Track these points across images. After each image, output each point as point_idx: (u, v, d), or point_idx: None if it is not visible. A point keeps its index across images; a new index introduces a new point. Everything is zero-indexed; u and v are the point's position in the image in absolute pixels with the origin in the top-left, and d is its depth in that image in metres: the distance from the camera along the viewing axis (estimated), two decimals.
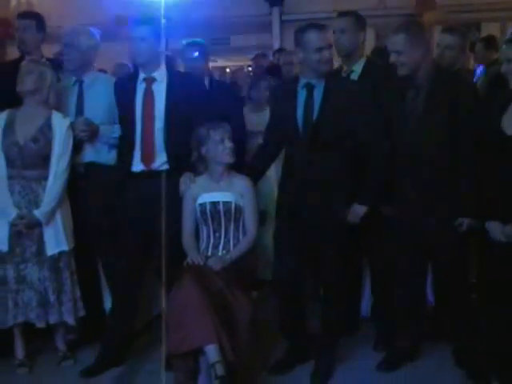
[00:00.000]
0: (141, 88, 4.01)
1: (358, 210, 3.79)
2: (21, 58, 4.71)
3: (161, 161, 3.97)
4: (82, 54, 4.27)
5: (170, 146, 3.96)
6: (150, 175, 3.97)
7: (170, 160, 3.96)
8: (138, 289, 4.13)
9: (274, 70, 6.27)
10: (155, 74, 4.00)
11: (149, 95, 4.00)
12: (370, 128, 3.73)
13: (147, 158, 3.97)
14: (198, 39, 4.92)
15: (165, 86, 4.00)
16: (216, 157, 3.86)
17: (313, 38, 3.70)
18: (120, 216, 4.05)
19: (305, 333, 4.09)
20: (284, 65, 6.26)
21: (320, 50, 3.69)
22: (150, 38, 3.92)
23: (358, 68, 4.18)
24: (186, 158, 3.94)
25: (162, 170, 3.96)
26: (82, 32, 4.30)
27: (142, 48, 3.93)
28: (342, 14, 4.24)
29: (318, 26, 3.76)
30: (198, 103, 4.02)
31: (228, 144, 3.85)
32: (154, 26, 3.95)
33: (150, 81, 4.01)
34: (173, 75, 4.08)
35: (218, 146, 3.84)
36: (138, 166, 3.99)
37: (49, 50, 4.90)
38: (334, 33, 4.07)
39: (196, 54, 4.71)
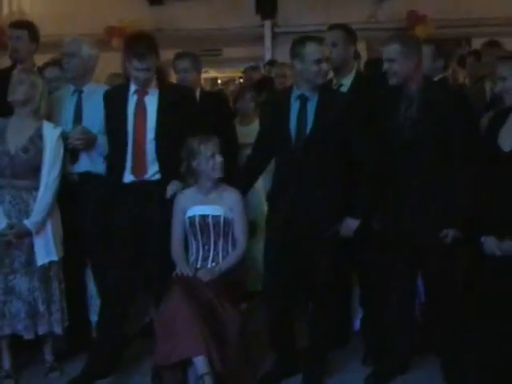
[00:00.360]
0: (132, 100, 4.00)
1: (351, 224, 3.78)
2: (12, 67, 4.71)
3: (152, 172, 3.96)
4: (83, 64, 4.28)
5: (161, 157, 3.95)
6: (141, 186, 3.96)
7: (161, 171, 3.96)
8: (128, 300, 4.10)
9: (265, 83, 6.27)
10: (147, 88, 3.99)
11: (141, 107, 3.99)
12: (362, 143, 3.74)
13: (138, 169, 3.96)
14: (189, 51, 4.93)
15: (156, 97, 4.00)
16: (206, 171, 3.87)
17: (312, 50, 3.72)
18: (111, 227, 4.03)
19: (293, 346, 4.08)
20: (277, 77, 6.26)
21: (318, 62, 3.72)
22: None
23: (347, 82, 4.19)
24: (177, 168, 3.93)
25: (152, 181, 3.96)
26: (84, 42, 4.32)
27: None
28: (333, 28, 4.24)
29: (317, 38, 3.80)
30: (188, 115, 4.02)
31: (218, 159, 3.85)
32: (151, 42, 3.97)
33: (141, 93, 4.00)
34: (164, 87, 4.07)
35: (209, 161, 3.84)
36: (128, 177, 3.98)
37: (42, 59, 4.87)
38: None
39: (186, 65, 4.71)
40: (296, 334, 4.07)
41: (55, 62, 4.79)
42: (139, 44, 3.92)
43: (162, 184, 3.95)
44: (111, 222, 4.04)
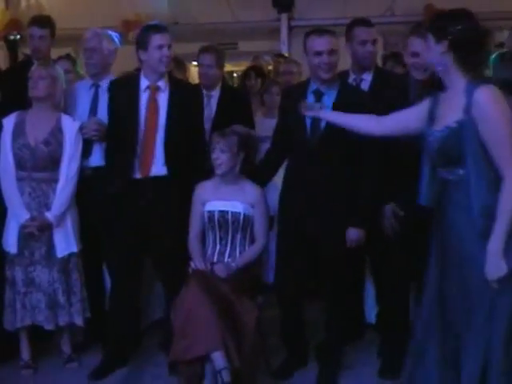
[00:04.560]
0: (144, 96, 3.96)
1: (354, 235, 3.76)
2: (27, 61, 4.74)
3: (159, 169, 3.94)
4: (103, 58, 4.31)
5: (169, 154, 3.93)
6: (149, 182, 3.94)
7: (168, 168, 3.94)
8: (137, 291, 4.15)
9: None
10: (160, 83, 3.97)
11: (153, 104, 3.95)
12: (374, 148, 3.69)
13: (145, 166, 3.93)
14: (214, 46, 4.92)
15: (167, 95, 3.97)
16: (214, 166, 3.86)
17: (311, 42, 3.74)
18: (121, 223, 4.01)
19: (303, 338, 4.10)
20: (284, 74, 6.20)
21: (319, 54, 3.71)
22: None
23: (368, 77, 4.17)
24: (184, 165, 3.93)
25: (159, 177, 3.94)
26: (104, 36, 4.34)
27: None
28: (368, 24, 4.18)
29: (318, 30, 3.79)
30: (195, 113, 4.04)
31: (222, 156, 3.79)
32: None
33: (154, 89, 3.97)
34: (174, 84, 4.04)
35: (215, 154, 3.82)
36: (136, 174, 3.95)
37: (60, 52, 4.90)
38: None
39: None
40: (308, 325, 4.10)
41: (67, 56, 4.83)
42: (155, 23, 3.95)
43: (169, 181, 3.93)
44: (121, 218, 4.01)
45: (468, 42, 2.84)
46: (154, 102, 3.96)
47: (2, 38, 9.05)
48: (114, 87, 4.08)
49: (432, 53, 2.93)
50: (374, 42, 4.13)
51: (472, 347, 2.86)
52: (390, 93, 3.85)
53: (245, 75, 6.21)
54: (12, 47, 5.16)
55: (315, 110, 3.62)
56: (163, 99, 3.96)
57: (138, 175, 3.94)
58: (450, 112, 2.86)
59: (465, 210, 2.84)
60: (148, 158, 3.93)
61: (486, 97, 2.77)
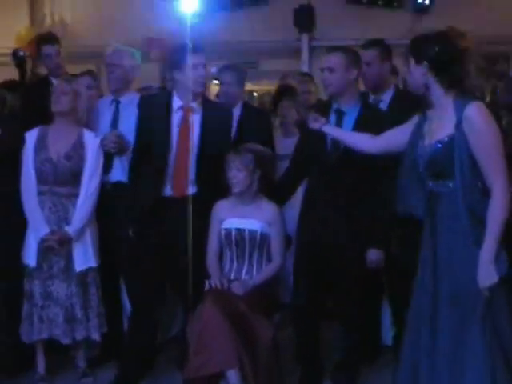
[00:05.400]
0: (176, 116, 3.93)
1: (374, 256, 3.76)
2: (47, 77, 4.81)
3: (191, 188, 3.94)
4: (124, 75, 4.35)
5: (199, 174, 3.92)
6: (178, 200, 3.94)
7: (198, 186, 3.94)
8: (157, 309, 4.12)
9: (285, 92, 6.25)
10: (193, 104, 3.93)
11: (186, 126, 3.92)
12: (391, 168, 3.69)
13: (179, 187, 3.92)
14: (235, 64, 4.92)
15: (200, 116, 3.94)
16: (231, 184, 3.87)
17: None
18: (145, 239, 4.00)
19: (318, 358, 4.08)
20: (302, 93, 6.21)
21: (321, 71, 3.79)
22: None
23: (386, 97, 4.19)
24: (213, 184, 3.93)
25: (189, 195, 3.93)
26: (126, 52, 4.38)
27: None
28: (366, 47, 4.25)
29: (331, 48, 3.86)
30: (226, 133, 4.05)
31: (239, 175, 3.81)
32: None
33: (187, 110, 3.93)
34: (206, 105, 4.00)
35: (232, 173, 3.83)
36: (168, 192, 3.94)
37: (83, 69, 4.95)
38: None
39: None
40: (324, 345, 4.09)
41: (89, 72, 4.88)
42: (188, 43, 3.89)
43: (198, 200, 3.92)
44: (147, 235, 3.99)
45: (446, 61, 3.00)
46: (187, 123, 3.92)
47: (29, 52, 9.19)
48: (143, 105, 4.03)
49: (414, 74, 3.07)
50: (368, 64, 4.14)
51: (470, 358, 2.91)
52: (408, 113, 3.85)
53: (278, 95, 6.12)
54: (20, 64, 5.25)
55: (319, 124, 3.64)
56: (196, 120, 3.93)
57: (168, 193, 3.93)
58: (441, 128, 3.00)
59: (455, 220, 2.96)
60: (182, 179, 3.92)
61: (476, 112, 2.92)
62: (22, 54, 5.34)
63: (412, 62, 3.06)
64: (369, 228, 3.74)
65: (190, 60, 3.80)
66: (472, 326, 2.91)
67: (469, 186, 2.92)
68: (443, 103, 3.02)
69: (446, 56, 2.99)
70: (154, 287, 4.02)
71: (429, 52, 2.99)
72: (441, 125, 3.01)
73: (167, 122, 3.91)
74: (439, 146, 2.98)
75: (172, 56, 3.95)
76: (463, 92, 3.02)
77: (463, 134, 2.91)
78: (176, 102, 3.94)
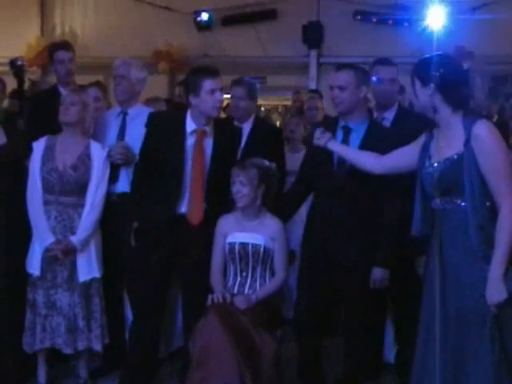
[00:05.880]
0: (190, 140, 3.88)
1: (379, 274, 3.75)
2: (55, 87, 4.83)
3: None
4: (131, 87, 4.37)
5: (209, 192, 3.90)
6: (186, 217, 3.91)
7: (207, 203, 3.91)
8: (159, 322, 4.12)
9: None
10: (206, 127, 3.90)
11: (199, 149, 3.87)
12: (397, 186, 3.70)
13: (196, 214, 3.87)
14: (247, 78, 4.93)
15: (212, 139, 3.91)
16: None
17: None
18: (151, 253, 3.96)
19: (320, 375, 4.08)
20: (309, 109, 6.24)
21: (331, 88, 3.82)
22: None
23: (389, 115, 4.21)
24: (222, 200, 3.93)
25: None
26: (133, 65, 4.40)
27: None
28: (375, 63, 4.30)
29: (340, 66, 3.89)
30: (236, 153, 4.06)
31: (243, 190, 3.81)
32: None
33: (201, 134, 3.90)
34: (217, 126, 3.96)
35: (236, 187, 3.83)
36: (180, 210, 3.91)
37: (92, 80, 4.99)
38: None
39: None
40: (326, 360, 4.08)
41: (97, 83, 4.90)
42: (206, 67, 3.88)
43: (206, 214, 3.90)
44: (153, 249, 3.95)
45: (451, 83, 3.06)
46: (201, 146, 3.88)
47: (35, 64, 9.24)
48: (153, 123, 3.97)
49: (420, 96, 3.14)
50: (391, 80, 4.17)
51: (478, 375, 2.93)
52: (411, 131, 3.87)
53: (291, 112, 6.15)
54: (18, 73, 5.29)
55: (324, 140, 3.65)
56: (208, 143, 3.90)
57: (182, 211, 3.88)
58: (449, 146, 3.06)
59: (463, 237, 3.00)
60: (199, 204, 3.87)
61: (484, 130, 2.98)
62: (20, 62, 5.38)
63: (417, 83, 3.12)
64: (374, 246, 3.73)
65: (207, 85, 3.76)
66: (480, 343, 2.93)
67: (479, 204, 2.96)
68: (451, 122, 3.07)
69: (451, 77, 3.06)
70: (156, 299, 4.00)
71: (434, 74, 3.05)
72: (449, 143, 3.06)
73: (181, 145, 3.86)
74: (448, 163, 3.03)
75: (188, 80, 3.90)
76: (470, 111, 3.07)
77: (472, 152, 2.96)
78: (190, 126, 3.88)
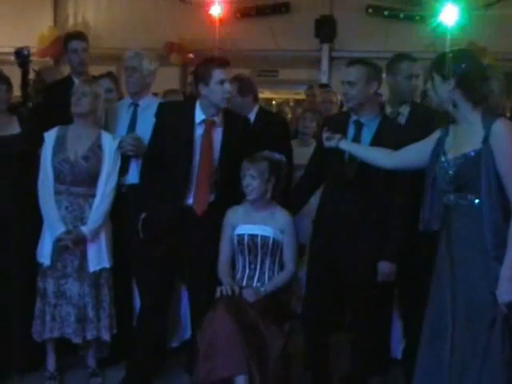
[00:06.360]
0: (199, 130, 3.88)
1: (386, 268, 3.74)
2: (69, 77, 4.85)
3: (209, 198, 3.93)
4: (142, 79, 4.37)
5: (219, 183, 3.92)
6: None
7: (216, 194, 3.93)
8: (167, 312, 4.15)
9: None
10: (215, 117, 3.90)
11: (208, 139, 3.88)
12: (407, 180, 3.70)
13: (201, 203, 3.88)
14: (240, 75, 4.87)
15: (221, 129, 3.93)
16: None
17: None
18: (159, 244, 3.97)
19: (327, 369, 4.07)
20: (323, 103, 6.24)
21: (342, 83, 3.81)
22: None
23: (405, 111, 4.19)
24: (230, 191, 3.93)
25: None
26: (145, 56, 4.40)
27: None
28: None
29: (349, 60, 3.91)
30: (245, 144, 4.02)
31: (253, 182, 3.82)
32: None
33: (210, 124, 3.90)
34: (227, 116, 3.97)
35: (246, 181, 3.85)
36: (188, 202, 3.91)
37: (104, 71, 4.99)
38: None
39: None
40: (334, 355, 4.09)
41: (109, 74, 4.91)
42: (217, 57, 3.87)
43: (216, 205, 3.92)
44: (161, 240, 3.96)
45: (473, 78, 3.04)
46: (210, 137, 3.89)
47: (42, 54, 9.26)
48: (163, 113, 3.99)
49: (440, 91, 3.10)
50: (416, 77, 4.17)
51: (488, 372, 2.93)
52: (427, 127, 3.86)
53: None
54: (23, 63, 5.28)
55: (334, 141, 3.65)
56: (218, 133, 3.91)
57: (189, 203, 3.90)
58: (467, 142, 3.03)
59: (476, 234, 2.98)
60: (204, 193, 3.89)
61: (505, 129, 2.96)
62: (26, 52, 5.36)
63: (437, 78, 3.09)
64: (382, 239, 3.73)
65: (217, 75, 3.76)
66: (490, 343, 2.92)
67: (495, 202, 2.94)
68: (470, 119, 3.05)
69: (473, 73, 3.03)
70: (163, 290, 4.03)
71: (456, 69, 3.02)
72: (467, 139, 3.04)
73: (190, 135, 3.87)
74: (464, 159, 3.01)
75: (198, 70, 3.90)
76: (489, 108, 3.05)
77: (490, 150, 2.94)
78: (199, 115, 3.89)
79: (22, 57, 5.30)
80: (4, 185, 4.11)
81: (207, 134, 3.89)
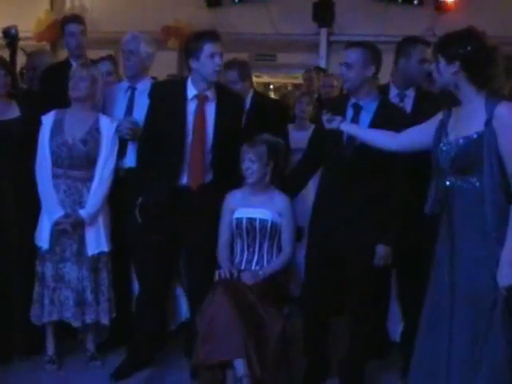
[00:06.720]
0: (191, 105, 3.88)
1: (383, 251, 3.75)
2: (67, 61, 4.82)
3: (206, 177, 3.94)
4: (140, 62, 4.35)
5: (215, 162, 3.92)
6: (194, 190, 3.93)
7: (214, 174, 3.94)
8: (165, 294, 4.18)
9: None
10: (208, 92, 3.91)
11: (201, 115, 3.88)
12: (406, 164, 3.70)
13: (196, 178, 3.89)
14: (238, 60, 4.87)
15: (214, 104, 3.92)
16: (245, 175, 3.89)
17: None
18: (156, 225, 3.98)
19: (326, 353, 4.09)
20: (325, 86, 6.22)
21: (341, 65, 3.80)
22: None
23: (411, 93, 4.18)
24: (227, 171, 3.94)
25: (205, 183, 3.94)
26: (143, 39, 4.37)
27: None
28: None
29: (348, 43, 3.89)
30: (239, 122, 4.04)
31: (253, 166, 3.83)
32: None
33: (202, 99, 3.90)
34: (220, 92, 3.97)
35: (245, 164, 3.85)
36: (182, 180, 3.93)
37: (100, 54, 4.97)
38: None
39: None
40: (332, 340, 4.10)
41: (109, 57, 4.89)
42: (207, 31, 3.85)
43: (213, 187, 3.94)
44: (159, 222, 3.97)
45: (478, 60, 3.00)
46: (202, 112, 3.89)
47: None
48: (156, 92, 3.99)
49: (444, 73, 3.06)
50: (427, 60, 4.15)
51: (488, 356, 2.93)
52: (432, 111, 3.85)
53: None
54: (11, 43, 5.18)
55: (336, 123, 3.64)
56: (210, 109, 3.90)
57: (184, 182, 3.91)
58: (469, 124, 3.01)
59: (477, 217, 2.97)
60: (199, 169, 3.90)
61: (508, 112, 2.93)
62: (14, 31, 5.25)
63: (442, 60, 3.05)
64: (380, 223, 3.73)
65: (208, 49, 3.77)
66: (490, 327, 2.92)
67: (496, 184, 2.93)
68: (474, 101, 3.02)
69: (478, 55, 2.99)
70: (161, 273, 4.05)
71: (461, 51, 2.98)
72: (469, 121, 3.01)
73: (182, 111, 3.87)
74: (467, 141, 2.99)
75: (189, 44, 3.89)
76: (493, 91, 3.02)
77: (493, 132, 2.93)
78: (191, 91, 3.90)
79: (9, 36, 5.22)
80: (3, 169, 4.09)
81: (200, 109, 3.88)
